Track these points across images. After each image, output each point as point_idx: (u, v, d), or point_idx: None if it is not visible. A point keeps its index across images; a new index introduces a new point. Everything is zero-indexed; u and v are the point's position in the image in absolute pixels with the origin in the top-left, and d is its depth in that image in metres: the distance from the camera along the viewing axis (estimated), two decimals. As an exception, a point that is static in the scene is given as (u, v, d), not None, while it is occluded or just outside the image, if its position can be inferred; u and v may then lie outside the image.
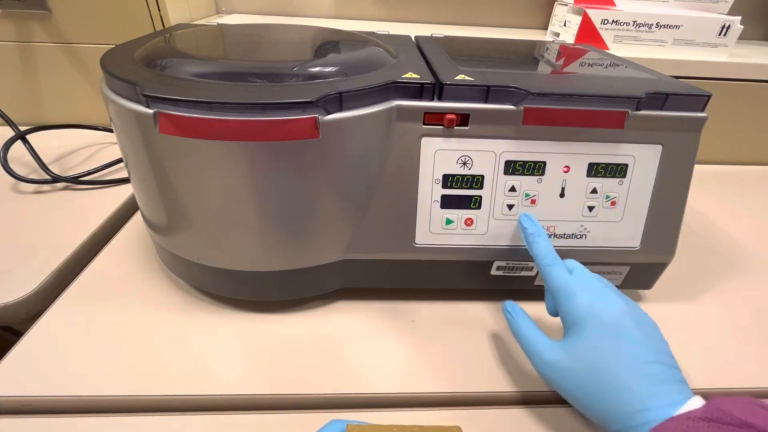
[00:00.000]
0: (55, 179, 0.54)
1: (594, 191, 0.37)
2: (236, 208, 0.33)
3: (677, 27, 0.64)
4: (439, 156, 0.35)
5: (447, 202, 0.36)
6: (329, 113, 0.30)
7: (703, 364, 0.36)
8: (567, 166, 0.36)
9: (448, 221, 0.37)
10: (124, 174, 0.57)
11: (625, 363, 0.27)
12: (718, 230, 0.56)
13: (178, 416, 0.31)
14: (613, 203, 0.37)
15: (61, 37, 0.63)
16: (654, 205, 0.37)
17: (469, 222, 0.37)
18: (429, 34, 0.52)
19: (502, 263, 0.39)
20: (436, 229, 0.37)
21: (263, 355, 0.36)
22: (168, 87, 0.29)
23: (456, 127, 0.34)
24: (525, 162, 0.35)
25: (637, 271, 0.40)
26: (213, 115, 0.28)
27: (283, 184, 0.32)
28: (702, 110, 0.36)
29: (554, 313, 0.33)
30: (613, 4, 0.67)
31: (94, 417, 0.31)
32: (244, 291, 0.39)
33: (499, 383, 0.34)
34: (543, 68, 0.44)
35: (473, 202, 0.36)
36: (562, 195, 0.37)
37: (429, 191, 0.36)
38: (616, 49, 0.64)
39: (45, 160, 0.55)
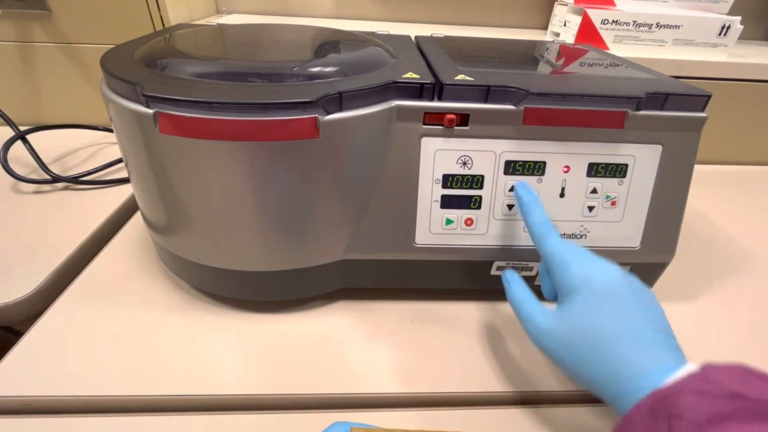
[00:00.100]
0: (55, 179, 0.54)
1: (594, 191, 0.37)
2: (236, 208, 0.33)
3: (677, 27, 0.64)
4: (439, 156, 0.35)
5: (447, 202, 0.36)
6: (329, 113, 0.30)
7: (703, 364, 0.36)
8: (567, 166, 0.36)
9: (448, 221, 0.37)
10: (124, 174, 0.57)
11: (618, 329, 0.26)
12: (718, 230, 0.56)
13: (178, 416, 0.31)
14: (613, 203, 0.37)
15: (61, 37, 0.63)
16: (654, 205, 0.37)
17: (469, 222, 0.37)
18: (429, 34, 0.52)
19: (502, 263, 0.39)
20: (436, 229, 0.37)
21: (263, 355, 0.36)
22: (168, 87, 0.29)
23: (456, 127, 0.34)
24: (525, 162, 0.35)
25: (637, 271, 0.40)
26: (213, 115, 0.28)
27: (283, 184, 0.32)
28: (702, 110, 0.36)
29: (551, 295, 0.33)
30: (613, 4, 0.67)
31: (94, 417, 0.31)
32: (244, 291, 0.39)
33: (499, 383, 0.34)
34: (543, 68, 0.44)
35: (473, 202, 0.36)
36: (562, 195, 0.37)
37: (429, 191, 0.36)
38: (616, 49, 0.64)
39: (45, 160, 0.55)
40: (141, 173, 0.34)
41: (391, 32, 0.50)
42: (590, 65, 0.45)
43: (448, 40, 0.51)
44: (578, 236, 0.38)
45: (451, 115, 0.33)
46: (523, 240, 0.37)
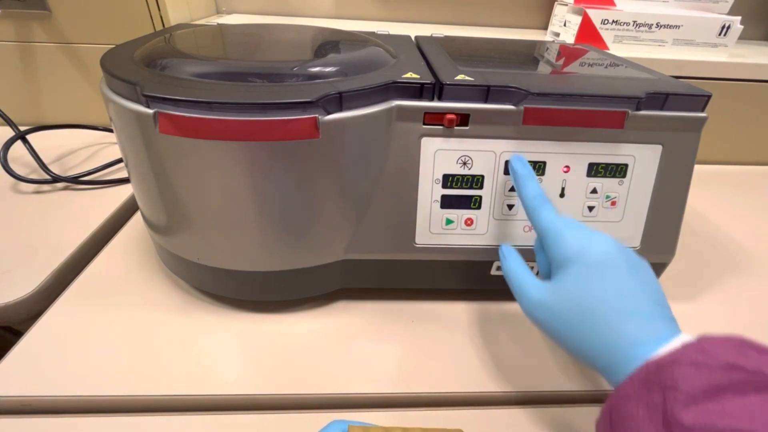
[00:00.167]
0: (55, 179, 0.54)
1: (594, 191, 0.37)
2: (236, 208, 0.33)
3: (677, 27, 0.64)
4: (439, 156, 0.35)
5: (447, 202, 0.36)
6: (329, 113, 0.30)
7: (703, 364, 0.36)
8: (567, 166, 0.36)
9: (448, 221, 0.37)
10: (124, 174, 0.57)
11: (612, 300, 0.26)
12: (718, 230, 0.56)
13: (178, 416, 0.31)
14: (613, 203, 0.37)
15: (61, 37, 0.63)
16: (654, 205, 0.37)
17: (469, 222, 0.37)
18: (429, 34, 0.52)
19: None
20: (436, 229, 0.37)
21: (263, 355, 0.36)
22: (168, 87, 0.29)
23: (456, 127, 0.34)
24: (525, 162, 0.35)
25: (637, 271, 0.40)
26: (213, 115, 0.28)
27: (283, 184, 0.32)
28: (702, 110, 0.36)
29: (547, 272, 0.32)
30: (613, 4, 0.67)
31: (94, 417, 0.31)
32: (244, 291, 0.39)
33: (499, 383, 0.34)
34: (543, 68, 0.44)
35: (473, 202, 0.36)
36: (562, 195, 0.37)
37: (429, 191, 0.36)
38: (616, 49, 0.64)
39: (45, 160, 0.55)
40: (141, 173, 0.34)
41: (391, 32, 0.50)
42: (590, 65, 0.45)
43: (448, 40, 0.51)
44: (578, 236, 0.38)
45: (451, 115, 0.33)
46: (524, 240, 0.37)
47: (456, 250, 0.37)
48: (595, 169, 0.36)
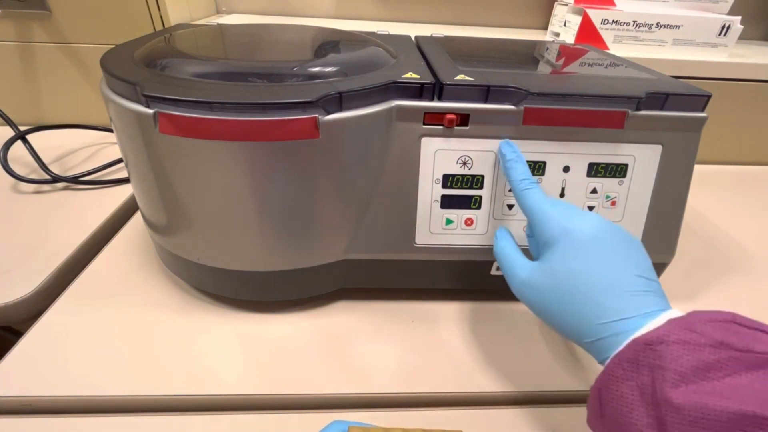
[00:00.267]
0: (55, 179, 0.54)
1: (594, 191, 0.37)
2: (236, 208, 0.33)
3: (677, 27, 0.64)
4: (439, 156, 0.35)
5: (447, 202, 0.36)
6: (329, 113, 0.30)
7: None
8: (567, 166, 0.36)
9: (448, 221, 0.37)
10: (124, 174, 0.57)
11: (598, 276, 0.26)
12: (718, 230, 0.56)
13: (178, 416, 0.31)
14: (613, 203, 0.37)
15: (61, 37, 0.63)
16: (654, 205, 0.37)
17: (469, 222, 0.37)
18: (429, 34, 0.52)
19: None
20: (436, 229, 0.37)
21: (263, 355, 0.36)
22: (168, 87, 0.29)
23: (456, 127, 0.34)
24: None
25: (637, 271, 0.40)
26: (213, 115, 0.28)
27: (283, 184, 0.32)
28: (702, 110, 0.36)
29: (538, 257, 0.32)
30: (613, 4, 0.67)
31: (94, 417, 0.31)
32: (244, 291, 0.39)
33: (499, 383, 0.34)
34: (543, 68, 0.44)
35: (473, 202, 0.36)
36: (562, 195, 0.37)
37: (429, 191, 0.36)
38: (616, 49, 0.64)
39: (45, 160, 0.55)
40: (141, 173, 0.34)
41: (391, 32, 0.50)
42: (590, 65, 0.45)
43: (448, 40, 0.51)
44: (578, 236, 0.38)
45: (451, 115, 0.33)
46: (523, 240, 0.37)
47: (456, 250, 0.37)
48: (595, 169, 0.36)
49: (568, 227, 0.28)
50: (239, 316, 0.39)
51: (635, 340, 0.23)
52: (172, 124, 0.29)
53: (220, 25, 0.47)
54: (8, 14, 0.60)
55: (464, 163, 0.35)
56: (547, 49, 0.51)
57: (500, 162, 0.35)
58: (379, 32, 0.50)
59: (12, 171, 0.52)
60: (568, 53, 0.50)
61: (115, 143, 0.48)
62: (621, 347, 0.24)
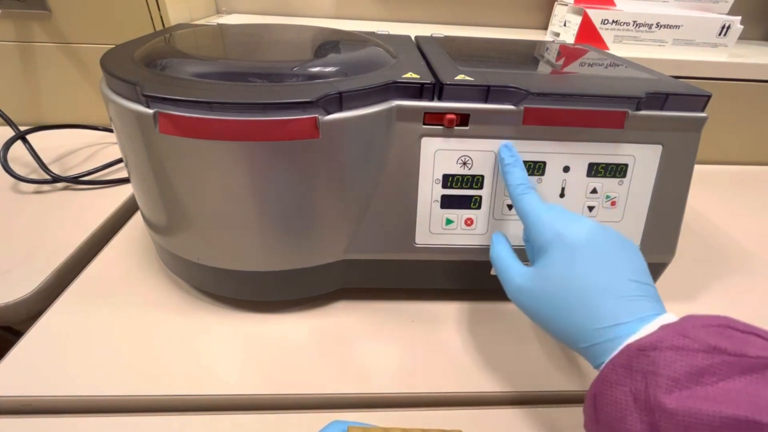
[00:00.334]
0: (55, 179, 0.54)
1: (594, 191, 0.37)
2: (236, 208, 0.33)
3: (677, 27, 0.64)
4: (439, 156, 0.35)
5: (447, 202, 0.36)
6: (329, 113, 0.30)
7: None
8: (567, 166, 0.36)
9: (448, 221, 0.37)
10: (124, 174, 0.57)
11: (591, 281, 0.26)
12: (718, 230, 0.56)
13: (178, 416, 0.31)
14: (613, 203, 0.37)
15: (61, 37, 0.63)
16: (654, 205, 0.37)
17: (469, 222, 0.37)
18: (429, 34, 0.52)
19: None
20: (436, 229, 0.37)
21: (263, 355, 0.36)
22: (168, 87, 0.29)
23: (456, 127, 0.34)
24: (525, 162, 0.35)
25: (637, 271, 0.40)
26: (213, 115, 0.28)
27: (283, 184, 0.32)
28: (702, 110, 0.36)
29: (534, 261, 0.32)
30: (613, 4, 0.67)
31: (94, 417, 0.31)
32: (244, 291, 0.39)
33: (499, 383, 0.34)
34: (543, 68, 0.44)
35: (473, 202, 0.36)
36: (562, 195, 0.37)
37: (429, 191, 0.36)
38: (616, 49, 0.64)
39: (45, 160, 0.55)
40: (141, 173, 0.34)
41: (391, 32, 0.50)
42: (590, 65, 0.45)
43: (448, 40, 0.51)
44: (578, 236, 0.38)
45: (451, 115, 0.33)
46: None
47: (456, 250, 0.37)
48: (595, 169, 0.36)
49: (561, 232, 0.28)
50: (239, 316, 0.39)
51: (629, 346, 0.23)
52: (172, 124, 0.29)
53: (220, 25, 0.47)
54: (8, 14, 0.60)
55: (464, 163, 0.35)
56: (547, 49, 0.51)
57: (499, 166, 0.35)
58: (379, 32, 0.50)
59: (12, 171, 0.52)
60: (568, 53, 0.50)
61: (115, 143, 0.49)
62: (615, 353, 0.24)
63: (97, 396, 0.32)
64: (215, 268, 0.36)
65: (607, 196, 0.37)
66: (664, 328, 0.23)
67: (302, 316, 0.39)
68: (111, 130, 0.66)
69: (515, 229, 0.37)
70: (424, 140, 0.34)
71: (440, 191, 0.36)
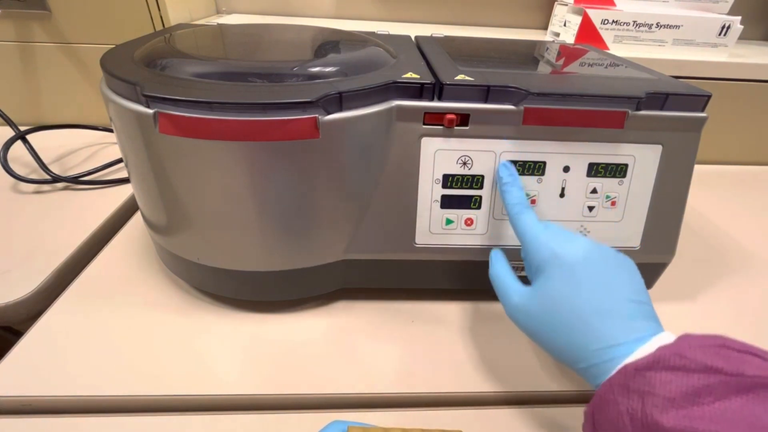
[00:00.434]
0: (55, 179, 0.54)
1: (594, 191, 0.37)
2: (236, 208, 0.33)
3: (677, 27, 0.64)
4: (439, 156, 0.35)
5: (447, 202, 0.36)
6: (329, 113, 0.30)
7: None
8: (567, 166, 0.36)
9: (448, 221, 0.37)
10: (124, 174, 0.57)
11: (587, 301, 0.26)
12: (718, 230, 0.56)
13: (178, 416, 0.31)
14: (613, 203, 0.37)
15: (61, 37, 0.63)
16: (654, 205, 0.37)
17: (469, 222, 0.37)
18: (429, 34, 0.52)
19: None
20: (436, 229, 0.37)
21: (263, 355, 0.36)
22: (168, 87, 0.29)
23: (456, 127, 0.34)
24: (525, 162, 0.35)
25: (637, 271, 0.40)
26: (213, 115, 0.28)
27: (283, 184, 0.32)
28: (702, 110, 0.36)
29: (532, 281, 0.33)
30: (613, 4, 0.67)
31: (94, 417, 0.31)
32: (244, 291, 0.39)
33: (499, 383, 0.34)
34: (543, 68, 0.44)
35: (473, 202, 0.36)
36: (562, 195, 0.37)
37: (429, 191, 0.36)
38: (616, 49, 0.64)
39: (45, 160, 0.55)
40: (141, 173, 0.34)
41: (391, 32, 0.50)
42: (590, 65, 0.45)
43: (448, 40, 0.51)
44: (578, 236, 0.38)
45: (451, 115, 0.33)
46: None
47: (456, 250, 0.37)
48: (595, 169, 0.36)
49: (557, 252, 0.28)
50: (239, 316, 0.39)
51: (626, 366, 0.23)
52: (172, 124, 0.29)
53: (220, 25, 0.47)
54: (8, 14, 0.60)
55: (464, 163, 0.35)
56: (547, 49, 0.51)
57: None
58: (379, 32, 0.50)
59: (12, 171, 0.52)
60: (568, 53, 0.50)
61: (115, 143, 0.48)
62: (612, 373, 0.24)
63: (97, 396, 0.32)
64: (215, 268, 0.36)
65: (607, 196, 0.37)
66: (660, 349, 0.23)
67: (302, 316, 0.39)
68: (111, 130, 0.66)
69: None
70: (424, 140, 0.34)
71: (440, 191, 0.36)
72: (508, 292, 0.30)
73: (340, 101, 0.30)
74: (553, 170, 0.36)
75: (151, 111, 0.29)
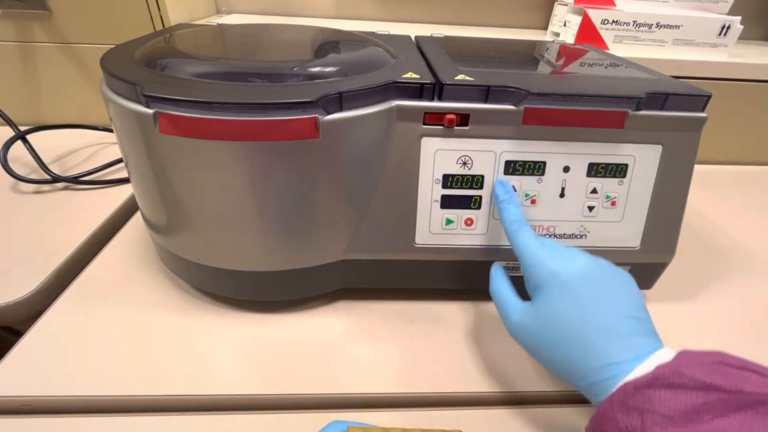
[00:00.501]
0: (55, 179, 0.54)
1: (594, 191, 0.37)
2: (236, 208, 0.33)
3: (677, 27, 0.64)
4: (439, 156, 0.35)
5: (447, 202, 0.36)
6: (329, 113, 0.30)
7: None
8: (567, 166, 0.36)
9: (448, 221, 0.37)
10: (124, 174, 0.57)
11: (586, 319, 0.26)
12: (718, 230, 0.56)
13: (178, 416, 0.31)
14: (613, 203, 0.37)
15: (61, 37, 0.63)
16: (654, 205, 0.37)
17: (469, 222, 0.37)
18: (429, 34, 0.52)
19: (502, 263, 0.39)
20: (436, 229, 0.37)
21: (263, 355, 0.36)
22: (168, 87, 0.29)
23: (456, 127, 0.34)
24: (525, 162, 0.35)
25: (637, 271, 0.40)
26: (213, 115, 0.28)
27: (283, 184, 0.32)
28: (702, 110, 0.36)
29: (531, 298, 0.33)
30: (613, 4, 0.67)
31: (94, 417, 0.31)
32: (244, 291, 0.39)
33: (499, 383, 0.34)
34: (543, 68, 0.44)
35: (473, 202, 0.36)
36: (562, 195, 0.37)
37: (429, 191, 0.36)
38: (616, 49, 0.64)
39: (45, 160, 0.55)
40: (141, 173, 0.34)
41: (391, 32, 0.50)
42: (590, 65, 0.45)
43: (448, 40, 0.51)
44: (578, 236, 0.38)
45: (451, 115, 0.33)
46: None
47: (456, 250, 0.37)
48: (595, 169, 0.36)
49: (555, 270, 0.28)
50: (239, 316, 0.39)
51: (625, 385, 0.23)
52: (172, 124, 0.29)
53: (220, 25, 0.47)
54: (8, 14, 0.60)
55: (464, 163, 0.35)
56: (547, 49, 0.51)
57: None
58: (379, 32, 0.50)
59: (12, 171, 0.52)
60: (568, 53, 0.50)
61: (115, 143, 0.48)
62: (612, 391, 0.24)
63: (97, 396, 0.32)
64: (215, 268, 0.36)
65: (607, 196, 0.37)
66: (659, 367, 0.23)
67: (302, 316, 0.39)
68: (111, 130, 0.66)
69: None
70: (424, 140, 0.34)
71: (440, 191, 0.36)
72: (508, 310, 0.30)
73: (340, 101, 0.30)
74: (553, 170, 0.36)
75: (151, 111, 0.29)
